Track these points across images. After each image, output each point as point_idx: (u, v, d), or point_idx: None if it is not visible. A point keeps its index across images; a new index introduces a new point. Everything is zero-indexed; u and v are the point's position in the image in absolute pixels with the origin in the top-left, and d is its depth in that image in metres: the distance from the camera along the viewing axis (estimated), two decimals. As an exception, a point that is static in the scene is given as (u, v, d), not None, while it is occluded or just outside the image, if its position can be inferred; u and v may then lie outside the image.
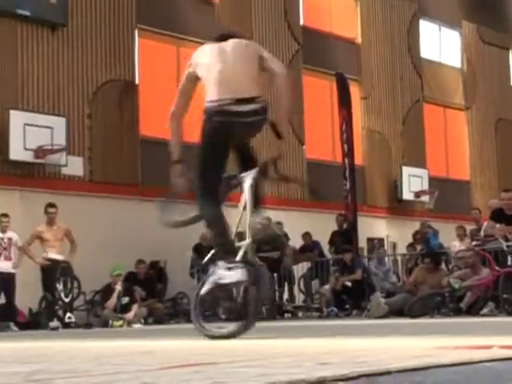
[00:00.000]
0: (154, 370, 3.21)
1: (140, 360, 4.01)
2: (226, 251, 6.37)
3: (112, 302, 15.86)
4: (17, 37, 17.63)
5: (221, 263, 6.25)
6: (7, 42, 17.47)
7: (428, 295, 15.06)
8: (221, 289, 6.44)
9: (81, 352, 4.77)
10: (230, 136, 6.55)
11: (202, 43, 21.82)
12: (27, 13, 17.68)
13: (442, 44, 27.78)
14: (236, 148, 6.69)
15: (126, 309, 15.84)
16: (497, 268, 14.11)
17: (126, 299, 16.00)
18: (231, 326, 6.37)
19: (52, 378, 2.98)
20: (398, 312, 14.68)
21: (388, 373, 2.70)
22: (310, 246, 19.21)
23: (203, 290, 6.41)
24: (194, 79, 6.80)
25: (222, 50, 6.67)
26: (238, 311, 6.67)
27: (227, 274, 6.19)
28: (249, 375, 2.83)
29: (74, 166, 17.92)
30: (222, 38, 6.94)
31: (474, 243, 16.01)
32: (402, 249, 20.68)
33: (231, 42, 6.74)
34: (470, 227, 17.67)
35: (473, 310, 13.91)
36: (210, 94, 6.55)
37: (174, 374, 2.99)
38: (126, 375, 3.04)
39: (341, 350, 4.16)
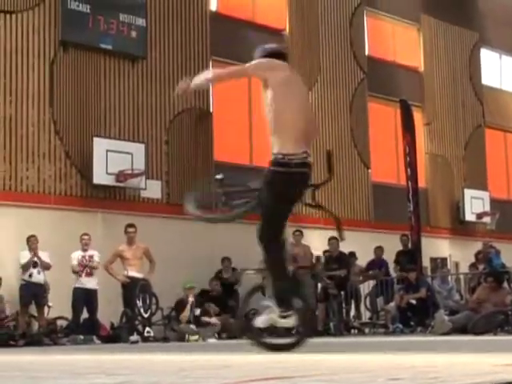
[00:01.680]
0: (234, 383, 3.20)
1: (219, 373, 4.00)
2: (281, 298, 6.57)
3: (186, 314, 15.91)
4: (100, 69, 17.88)
5: (275, 311, 6.51)
6: (92, 73, 17.73)
7: (491, 313, 14.83)
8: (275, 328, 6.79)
9: (161, 365, 4.77)
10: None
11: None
12: (110, 47, 17.94)
13: (502, 71, 27.49)
14: None
15: (199, 322, 15.87)
16: (558, 287, 13.86)
17: (198, 311, 16.04)
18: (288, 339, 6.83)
19: (137, 389, 2.99)
20: (461, 329, 14.46)
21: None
22: (378, 263, 19.04)
23: (259, 323, 6.67)
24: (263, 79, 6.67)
25: (296, 80, 6.70)
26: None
27: (282, 321, 6.50)
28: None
29: (153, 190, 18.07)
30: (278, 55, 6.80)
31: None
32: (464, 268, 20.42)
33: (296, 74, 6.80)
34: (530, 247, 17.39)
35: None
36: None
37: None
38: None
39: (410, 365, 4.10)
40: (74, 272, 15.28)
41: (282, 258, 6.56)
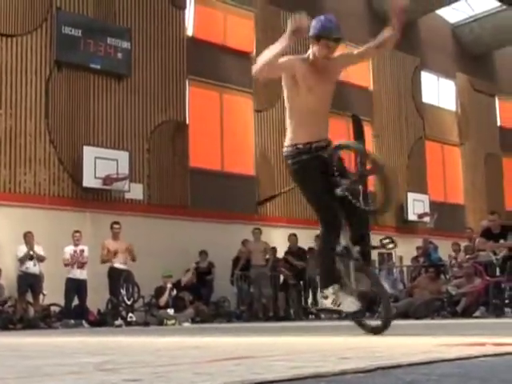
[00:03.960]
0: (203, 362, 3.21)
1: (191, 353, 4.00)
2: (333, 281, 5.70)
3: (164, 298, 15.88)
4: (90, 86, 17.80)
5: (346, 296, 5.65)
6: (82, 90, 17.64)
7: (429, 300, 14.95)
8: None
9: (142, 346, 4.76)
10: None
11: (241, 90, 21.84)
12: (98, 66, 17.86)
13: (440, 91, 27.77)
14: None
15: (176, 308, 15.84)
16: (487, 278, 14.00)
17: (174, 292, 16.01)
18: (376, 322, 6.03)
19: (119, 367, 2.98)
20: (403, 314, 14.55)
21: (400, 366, 2.68)
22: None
23: (326, 305, 5.78)
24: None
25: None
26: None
27: (347, 303, 5.63)
28: (282, 367, 2.81)
29: (136, 192, 18.01)
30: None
31: (467, 256, 15.89)
32: (407, 261, 20.53)
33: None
34: (463, 243, 17.52)
35: (467, 313, 13.78)
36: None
37: (220, 366, 2.97)
38: (181, 366, 3.03)
39: (358, 346, 4.12)
40: (66, 264, 15.19)
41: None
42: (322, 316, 17.66)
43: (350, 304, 5.64)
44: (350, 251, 5.73)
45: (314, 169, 5.60)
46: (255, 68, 5.61)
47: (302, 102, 5.58)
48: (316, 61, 5.56)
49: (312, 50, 5.61)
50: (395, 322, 12.01)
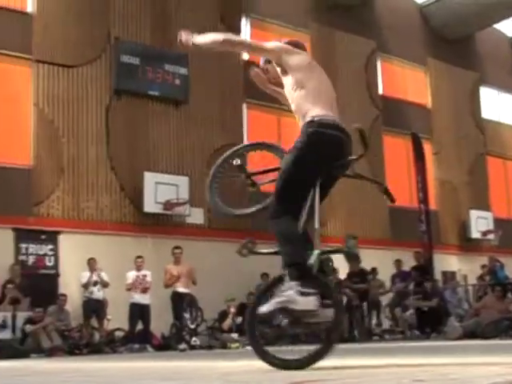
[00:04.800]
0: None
1: (259, 377, 3.96)
2: (301, 274, 4.71)
3: (227, 323, 15.87)
4: (149, 112, 18.02)
5: (295, 285, 4.61)
6: (141, 116, 17.86)
7: (498, 320, 14.61)
8: (288, 313, 4.61)
9: (208, 370, 4.74)
10: None
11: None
12: (156, 93, 18.08)
13: (500, 106, 27.35)
14: None
15: (241, 331, 15.80)
16: (557, 296, 13.67)
17: (239, 319, 15.97)
18: (303, 352, 4.76)
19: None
20: (470, 334, 14.26)
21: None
22: (400, 275, 18.81)
23: (265, 309, 4.69)
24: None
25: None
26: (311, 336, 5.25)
27: (300, 299, 4.53)
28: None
29: (196, 216, 18.09)
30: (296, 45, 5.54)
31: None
32: (471, 280, 20.17)
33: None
34: (531, 261, 17.19)
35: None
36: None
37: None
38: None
39: (430, 368, 4.03)
40: (128, 289, 15.31)
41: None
42: (387, 337, 17.47)
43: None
44: None
45: None
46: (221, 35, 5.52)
47: None
48: None
49: None
50: (463, 342, 11.79)
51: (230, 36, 5.38)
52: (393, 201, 5.44)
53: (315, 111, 5.01)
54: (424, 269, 18.59)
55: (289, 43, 5.51)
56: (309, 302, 4.54)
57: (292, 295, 4.56)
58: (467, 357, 5.38)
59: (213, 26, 19.51)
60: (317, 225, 4.95)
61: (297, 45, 5.58)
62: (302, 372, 4.31)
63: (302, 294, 4.55)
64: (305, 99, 5.11)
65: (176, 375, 4.69)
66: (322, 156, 4.94)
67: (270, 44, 5.37)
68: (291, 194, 4.95)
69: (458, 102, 25.41)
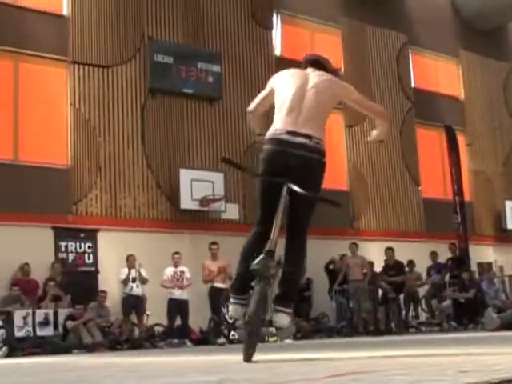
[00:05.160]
0: (318, 378, 3.14)
1: (303, 369, 3.94)
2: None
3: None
4: (183, 110, 18.07)
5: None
6: (176, 114, 17.93)
7: (536, 310, 14.47)
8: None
9: (250, 364, 4.71)
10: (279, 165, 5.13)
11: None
12: (190, 91, 18.13)
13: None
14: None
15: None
16: None
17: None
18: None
19: (236, 386, 2.95)
20: (508, 326, 14.12)
21: (525, 378, 2.56)
22: (436, 266, 18.71)
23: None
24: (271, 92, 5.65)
25: (304, 76, 5.53)
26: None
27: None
28: (401, 382, 2.72)
29: (232, 212, 18.12)
30: (309, 63, 5.84)
31: None
32: (508, 271, 19.98)
33: (317, 74, 5.56)
34: None
35: None
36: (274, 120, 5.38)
37: (337, 382, 2.91)
38: (297, 383, 2.98)
39: (474, 359, 3.98)
40: (164, 286, 15.37)
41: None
42: (423, 329, 17.36)
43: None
44: None
45: None
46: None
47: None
48: None
49: None
50: (501, 333, 11.65)
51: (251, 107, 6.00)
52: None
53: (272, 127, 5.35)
54: (460, 260, 18.47)
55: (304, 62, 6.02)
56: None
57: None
58: (507, 347, 5.31)
59: (244, 22, 19.54)
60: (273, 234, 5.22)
61: (306, 62, 5.97)
62: (342, 364, 4.28)
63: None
64: (276, 114, 5.46)
65: (217, 369, 4.68)
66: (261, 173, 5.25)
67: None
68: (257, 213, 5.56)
69: (491, 93, 25.16)
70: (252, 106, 5.92)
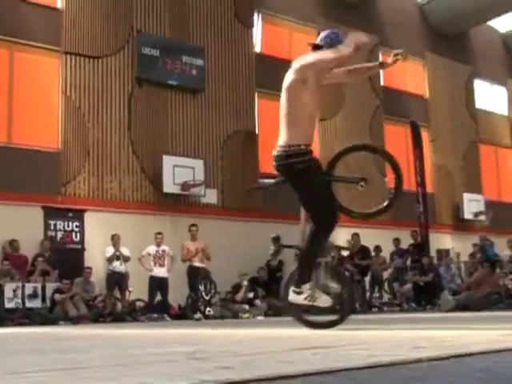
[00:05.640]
0: (284, 351, 3.20)
1: (271, 344, 4.00)
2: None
3: (240, 295, 15.98)
4: (168, 100, 18.03)
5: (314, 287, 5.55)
6: (161, 104, 17.89)
7: (488, 293, 14.65)
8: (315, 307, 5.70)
9: (224, 337, 4.79)
10: None
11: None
12: (175, 82, 18.07)
13: (492, 97, 27.25)
14: None
15: (250, 302, 15.92)
16: (543, 272, 13.67)
17: (251, 294, 16.07)
18: (328, 317, 5.83)
19: (209, 356, 3.00)
20: (462, 307, 14.30)
21: (471, 354, 2.63)
22: (398, 252, 18.89)
23: (300, 301, 5.62)
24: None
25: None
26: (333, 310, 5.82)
27: (323, 298, 5.60)
28: (359, 356, 2.79)
29: (211, 196, 18.15)
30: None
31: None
32: (464, 257, 20.17)
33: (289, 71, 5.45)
34: (519, 240, 17.18)
35: (524, 306, 13.49)
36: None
37: (300, 355, 2.97)
38: (265, 355, 3.04)
39: (428, 336, 4.06)
40: (140, 260, 15.38)
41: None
42: (385, 309, 17.52)
43: (325, 300, 5.63)
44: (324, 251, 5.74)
45: (319, 172, 5.41)
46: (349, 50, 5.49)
47: (314, 104, 5.42)
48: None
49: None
50: (456, 314, 11.82)
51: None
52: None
53: (305, 135, 5.57)
54: (421, 246, 18.64)
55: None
56: (328, 301, 5.70)
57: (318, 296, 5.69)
58: (460, 327, 5.42)
59: (227, 20, 19.51)
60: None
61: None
62: (305, 339, 4.35)
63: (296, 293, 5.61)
64: (300, 116, 5.58)
65: (195, 341, 4.73)
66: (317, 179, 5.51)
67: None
68: None
69: (454, 93, 25.33)
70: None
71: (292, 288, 5.54)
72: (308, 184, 5.24)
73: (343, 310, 5.84)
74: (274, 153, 5.26)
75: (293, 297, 5.55)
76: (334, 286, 5.73)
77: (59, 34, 16.64)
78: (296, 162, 5.24)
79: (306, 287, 5.53)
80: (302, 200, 5.42)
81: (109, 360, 3.06)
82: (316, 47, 5.51)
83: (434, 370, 2.34)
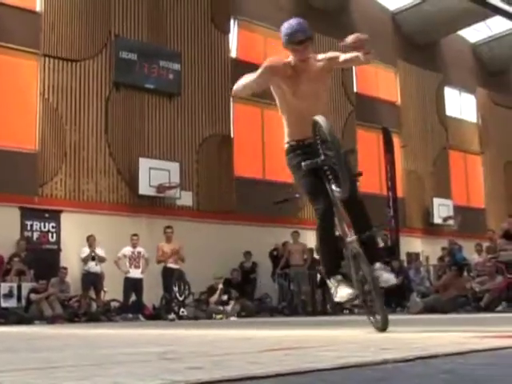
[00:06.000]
0: (255, 352, 3.21)
1: (243, 344, 4.00)
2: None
3: (215, 297, 15.95)
4: (144, 104, 17.98)
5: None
6: (138, 107, 17.83)
7: (455, 296, 14.78)
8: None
9: (196, 338, 4.78)
10: None
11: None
12: (152, 86, 18.03)
13: (461, 105, 27.51)
14: None
15: (225, 304, 15.91)
16: (508, 275, 13.82)
17: (225, 296, 16.06)
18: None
19: (180, 357, 3.00)
20: (430, 309, 14.42)
21: (437, 356, 2.66)
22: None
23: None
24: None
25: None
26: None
27: (339, 293, 4.96)
28: (328, 357, 2.80)
29: (186, 199, 18.11)
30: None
31: (489, 256, 15.69)
32: (433, 261, 20.34)
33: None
34: (485, 244, 17.31)
35: (490, 308, 13.61)
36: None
37: (271, 356, 2.98)
38: (235, 356, 3.05)
39: (395, 338, 4.09)
40: (116, 262, 15.33)
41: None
42: (356, 311, 17.59)
43: (342, 294, 4.95)
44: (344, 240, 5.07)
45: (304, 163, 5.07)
46: (235, 89, 5.58)
47: (289, 104, 5.27)
48: (295, 65, 5.32)
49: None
50: (424, 316, 11.92)
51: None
52: None
53: (285, 134, 5.37)
54: (391, 249, 18.74)
55: None
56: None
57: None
58: (427, 328, 5.46)
59: (204, 25, 19.50)
60: None
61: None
62: (279, 340, 4.36)
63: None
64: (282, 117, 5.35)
65: (167, 342, 4.73)
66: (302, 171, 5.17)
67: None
68: None
69: (425, 100, 25.53)
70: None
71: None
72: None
73: (382, 314, 4.87)
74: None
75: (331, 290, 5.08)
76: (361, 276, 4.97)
77: (38, 37, 16.53)
78: (287, 158, 5.45)
79: (332, 282, 5.03)
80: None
81: (82, 359, 3.04)
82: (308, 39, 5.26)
83: (399, 371, 2.36)
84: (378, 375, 2.24)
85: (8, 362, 3.02)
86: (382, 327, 4.73)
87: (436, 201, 24.29)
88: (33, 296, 14.08)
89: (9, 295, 14.07)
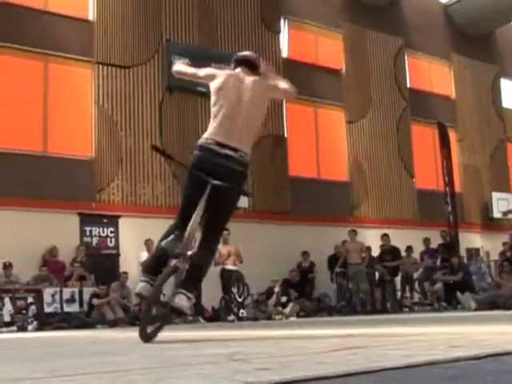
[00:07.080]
0: (322, 352, 3.19)
1: (307, 345, 3.98)
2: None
3: (273, 300, 15.96)
4: (198, 107, 18.07)
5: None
6: (191, 111, 17.95)
7: (514, 292, 14.47)
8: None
9: (261, 339, 4.77)
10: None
11: (333, 104, 21.64)
12: (204, 89, 18.05)
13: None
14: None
15: (284, 305, 15.90)
16: None
17: (284, 298, 16.06)
18: None
19: (248, 358, 3.00)
20: (492, 305, 14.12)
21: (509, 353, 2.60)
22: (428, 252, 18.73)
23: None
24: (208, 79, 5.65)
25: (239, 85, 5.36)
26: None
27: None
28: (396, 356, 2.77)
29: (242, 200, 18.11)
30: (241, 63, 5.58)
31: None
32: (494, 256, 19.99)
33: (252, 82, 5.35)
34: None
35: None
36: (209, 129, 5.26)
37: (339, 356, 2.96)
38: (303, 356, 3.03)
39: (464, 335, 4.02)
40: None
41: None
42: (416, 309, 17.40)
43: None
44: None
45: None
46: (176, 67, 5.82)
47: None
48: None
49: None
50: (487, 313, 11.69)
51: (182, 68, 5.85)
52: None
53: (205, 133, 5.27)
54: (450, 246, 18.48)
55: (236, 60, 5.78)
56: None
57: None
58: (494, 325, 5.35)
59: (254, 26, 19.55)
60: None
61: (238, 61, 5.76)
62: (344, 340, 4.33)
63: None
64: (211, 119, 5.35)
65: (232, 343, 4.73)
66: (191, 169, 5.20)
67: (203, 71, 5.81)
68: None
69: (480, 92, 25.11)
70: (183, 70, 5.91)
71: None
72: None
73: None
74: (227, 152, 5.20)
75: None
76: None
77: (91, 45, 16.81)
78: (246, 174, 5.50)
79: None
80: (231, 203, 5.54)
81: (150, 362, 3.07)
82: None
83: (471, 369, 2.32)
84: (450, 373, 2.21)
85: (78, 367, 3.06)
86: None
87: (495, 195, 23.85)
88: (95, 301, 14.31)
89: (71, 300, 14.34)
